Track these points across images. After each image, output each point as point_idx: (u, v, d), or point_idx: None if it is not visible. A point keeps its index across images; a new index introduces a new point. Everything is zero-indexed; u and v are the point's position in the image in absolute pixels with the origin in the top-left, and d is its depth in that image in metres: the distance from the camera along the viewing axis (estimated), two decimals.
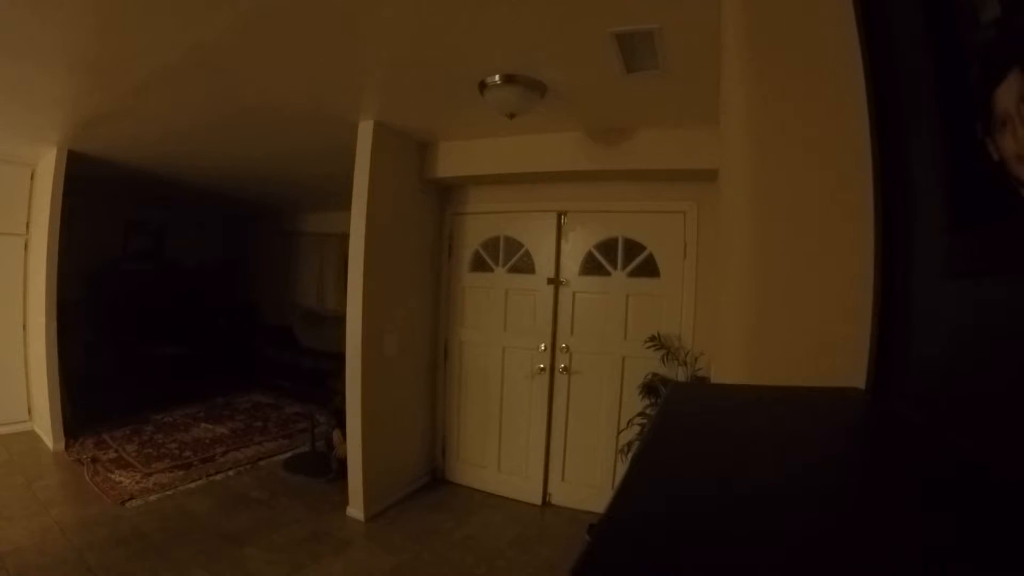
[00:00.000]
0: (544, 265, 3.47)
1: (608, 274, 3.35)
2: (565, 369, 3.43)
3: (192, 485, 3.47)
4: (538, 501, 3.46)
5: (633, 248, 3.29)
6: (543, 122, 2.85)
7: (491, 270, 3.67)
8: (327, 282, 6.60)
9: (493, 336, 3.64)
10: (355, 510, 3.14)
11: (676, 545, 0.31)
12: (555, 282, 3.42)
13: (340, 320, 3.33)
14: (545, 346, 3.44)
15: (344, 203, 3.14)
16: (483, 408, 3.69)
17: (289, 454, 4.12)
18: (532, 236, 3.52)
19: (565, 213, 3.44)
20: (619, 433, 3.21)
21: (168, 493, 3.31)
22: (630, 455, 3.00)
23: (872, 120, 0.67)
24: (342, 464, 3.41)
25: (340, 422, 3.73)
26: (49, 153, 3.80)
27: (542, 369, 3.46)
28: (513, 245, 3.60)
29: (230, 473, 3.73)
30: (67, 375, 4.00)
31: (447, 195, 3.79)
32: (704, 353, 2.94)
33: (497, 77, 2.26)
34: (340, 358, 3.25)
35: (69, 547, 2.57)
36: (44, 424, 3.97)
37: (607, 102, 2.57)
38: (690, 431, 0.59)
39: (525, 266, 3.55)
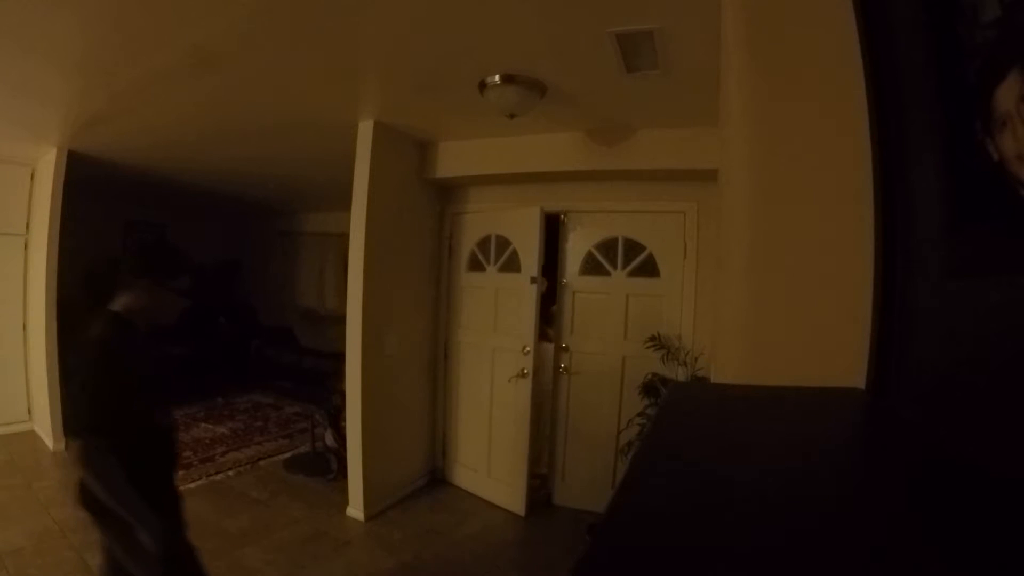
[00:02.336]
0: (529, 263, 3.25)
1: (608, 274, 3.35)
2: (565, 369, 3.42)
3: (192, 485, 3.47)
4: (521, 511, 3.25)
5: (633, 248, 3.29)
6: (543, 122, 2.85)
7: (483, 269, 3.60)
8: (327, 282, 6.60)
9: (485, 337, 3.57)
10: (355, 510, 3.14)
11: (676, 545, 0.31)
12: (537, 280, 3.19)
13: (340, 320, 3.32)
14: (528, 349, 3.23)
15: (344, 203, 3.14)
16: (476, 410, 3.64)
17: (289, 454, 4.12)
18: (518, 233, 3.35)
19: (565, 213, 3.43)
20: (619, 433, 3.21)
21: None
22: (630, 455, 3.00)
23: (872, 120, 0.67)
24: (341, 462, 3.41)
25: (334, 422, 3.74)
26: (49, 153, 3.80)
27: (525, 373, 3.24)
28: (503, 243, 3.47)
29: (230, 473, 3.72)
30: (67, 375, 4.00)
31: (447, 195, 3.79)
32: (704, 353, 2.94)
33: (497, 77, 2.26)
34: (340, 358, 3.25)
35: (69, 547, 2.57)
36: (44, 424, 3.96)
37: (607, 102, 2.57)
38: (690, 431, 0.59)
39: (513, 265, 3.39)
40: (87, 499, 1.42)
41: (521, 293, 3.29)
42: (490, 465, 3.52)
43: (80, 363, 1.44)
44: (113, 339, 1.46)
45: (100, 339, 1.45)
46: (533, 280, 3.21)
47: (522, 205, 3.50)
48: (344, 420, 3.29)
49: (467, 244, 3.70)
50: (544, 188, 3.42)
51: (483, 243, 3.61)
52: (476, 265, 3.66)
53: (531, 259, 3.23)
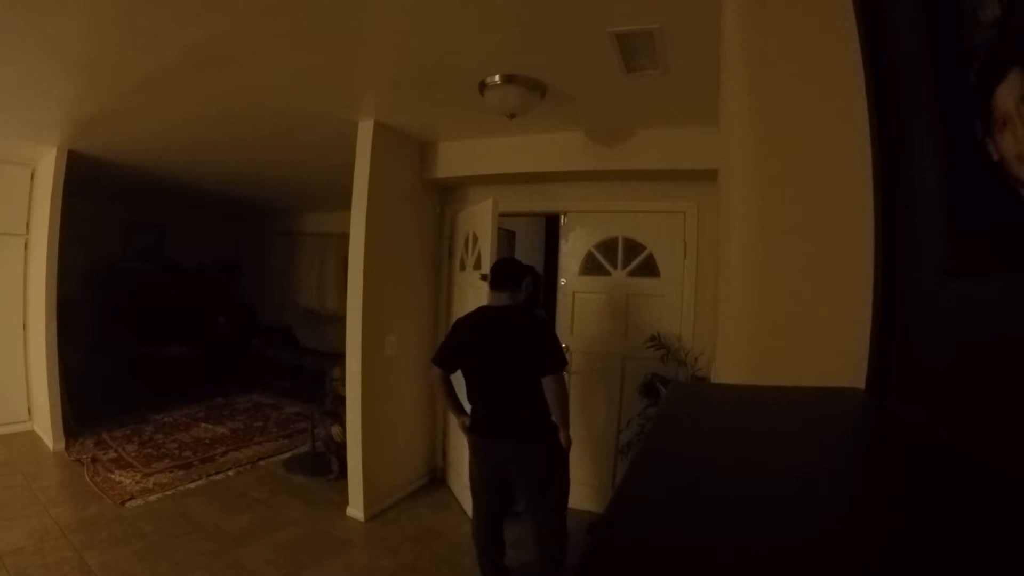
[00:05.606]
0: (485, 260, 3.00)
1: (608, 274, 3.35)
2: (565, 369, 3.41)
3: (192, 485, 3.47)
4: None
5: (633, 248, 3.29)
6: (543, 122, 2.85)
7: (464, 268, 3.52)
8: (327, 282, 6.60)
9: None
10: (355, 510, 3.14)
11: (676, 545, 0.31)
12: (487, 279, 2.82)
13: (340, 320, 3.31)
14: None
15: (344, 203, 3.13)
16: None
17: (289, 454, 4.12)
18: (482, 230, 3.14)
19: (565, 213, 3.43)
20: (619, 433, 3.21)
21: (168, 493, 3.31)
22: (630, 455, 3.00)
23: (872, 120, 0.68)
24: (342, 461, 3.40)
25: (337, 417, 3.72)
26: (49, 153, 3.80)
27: None
28: (475, 241, 3.30)
29: (230, 473, 3.72)
30: (67, 375, 4.00)
31: (447, 195, 3.79)
32: (704, 353, 2.94)
33: (497, 77, 2.26)
34: (340, 358, 3.24)
35: (69, 547, 2.57)
36: (44, 424, 3.96)
37: (607, 102, 2.57)
38: (690, 431, 0.59)
39: (477, 263, 3.21)
40: (543, 414, 2.21)
41: (477, 292, 3.06)
42: (463, 468, 3.26)
43: (544, 328, 2.34)
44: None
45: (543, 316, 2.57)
46: (484, 277, 2.90)
47: (522, 205, 3.50)
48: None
49: (459, 244, 3.67)
50: (544, 188, 3.42)
51: (466, 242, 3.51)
52: (463, 265, 3.58)
53: (486, 255, 2.99)
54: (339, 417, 3.65)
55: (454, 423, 3.61)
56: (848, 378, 0.69)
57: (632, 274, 3.29)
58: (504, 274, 2.38)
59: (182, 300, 6.28)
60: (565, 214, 3.43)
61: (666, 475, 0.44)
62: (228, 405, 5.45)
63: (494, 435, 2.26)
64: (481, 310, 2.44)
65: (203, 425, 4.73)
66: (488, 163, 3.32)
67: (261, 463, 3.96)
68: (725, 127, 1.52)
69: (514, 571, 2.49)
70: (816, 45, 0.82)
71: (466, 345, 2.33)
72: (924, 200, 0.58)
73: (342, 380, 3.61)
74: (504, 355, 2.25)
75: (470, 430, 2.33)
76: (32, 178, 4.04)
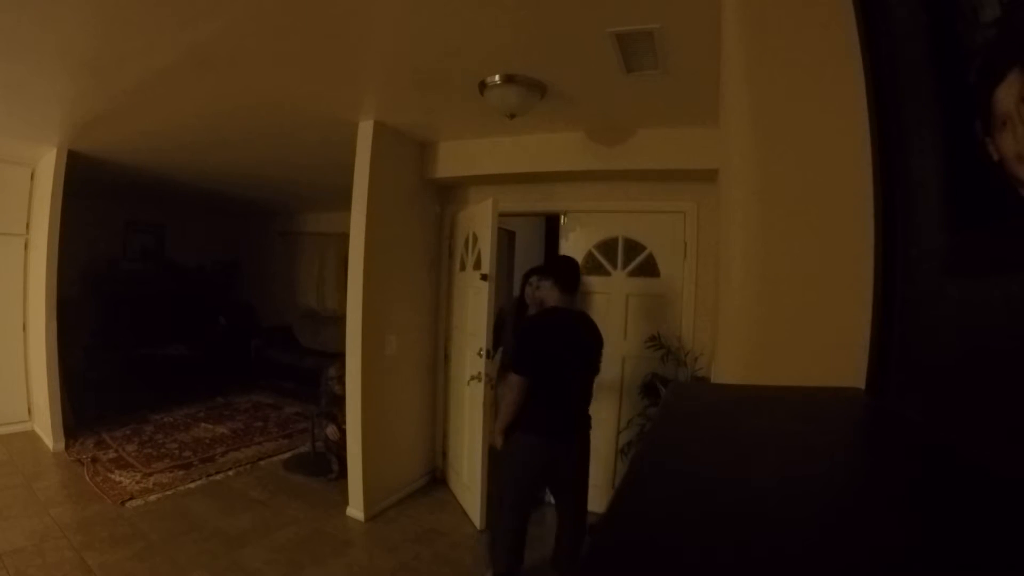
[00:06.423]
0: (485, 260, 3.03)
1: (608, 274, 3.35)
2: None
3: (192, 485, 3.47)
4: (477, 523, 3.08)
5: (633, 248, 3.29)
6: (543, 122, 2.85)
7: (464, 268, 3.52)
8: (327, 282, 6.60)
9: (462, 337, 3.48)
10: (355, 510, 3.14)
11: (676, 545, 0.31)
12: (489, 278, 2.95)
13: (340, 320, 3.31)
14: (482, 351, 3.01)
15: (344, 203, 3.14)
16: (458, 413, 3.55)
17: (289, 454, 4.12)
18: (482, 230, 3.14)
19: (565, 213, 3.43)
20: (619, 433, 3.20)
21: (168, 493, 3.31)
22: (630, 455, 3.00)
23: (872, 120, 0.68)
24: (342, 461, 3.40)
25: (332, 417, 3.72)
26: (49, 153, 3.80)
27: (475, 378, 3.05)
28: (475, 241, 3.32)
29: (230, 473, 3.72)
30: (67, 375, 4.00)
31: (447, 195, 3.79)
32: (704, 353, 2.94)
33: (497, 77, 2.26)
34: (340, 358, 3.23)
35: (69, 547, 2.57)
36: (44, 424, 3.96)
37: (607, 102, 2.57)
38: (690, 431, 0.59)
39: (478, 262, 3.22)
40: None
41: (478, 292, 3.11)
42: (462, 469, 3.40)
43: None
44: None
45: None
46: (484, 277, 2.98)
47: (522, 205, 3.50)
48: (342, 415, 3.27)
49: (459, 244, 3.67)
50: (544, 188, 3.42)
51: (466, 242, 3.51)
52: (463, 265, 3.57)
53: (486, 255, 3.00)
54: (335, 417, 3.65)
55: (454, 423, 3.66)
56: (848, 378, 0.69)
57: (632, 274, 3.29)
58: (577, 276, 2.46)
59: (182, 300, 6.28)
60: (565, 214, 3.43)
61: (666, 475, 0.44)
62: (228, 405, 5.45)
63: (565, 435, 2.33)
64: (567, 314, 2.41)
65: (203, 425, 4.73)
66: (488, 163, 3.32)
67: (261, 463, 3.96)
68: (725, 127, 1.52)
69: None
70: (816, 45, 0.82)
71: (564, 350, 2.32)
72: (924, 200, 0.58)
73: (338, 379, 3.62)
74: (587, 357, 2.38)
75: (537, 432, 2.27)
76: (32, 178, 4.04)
